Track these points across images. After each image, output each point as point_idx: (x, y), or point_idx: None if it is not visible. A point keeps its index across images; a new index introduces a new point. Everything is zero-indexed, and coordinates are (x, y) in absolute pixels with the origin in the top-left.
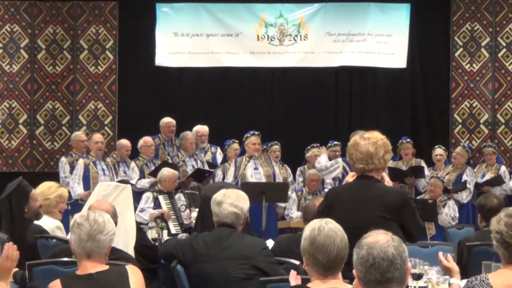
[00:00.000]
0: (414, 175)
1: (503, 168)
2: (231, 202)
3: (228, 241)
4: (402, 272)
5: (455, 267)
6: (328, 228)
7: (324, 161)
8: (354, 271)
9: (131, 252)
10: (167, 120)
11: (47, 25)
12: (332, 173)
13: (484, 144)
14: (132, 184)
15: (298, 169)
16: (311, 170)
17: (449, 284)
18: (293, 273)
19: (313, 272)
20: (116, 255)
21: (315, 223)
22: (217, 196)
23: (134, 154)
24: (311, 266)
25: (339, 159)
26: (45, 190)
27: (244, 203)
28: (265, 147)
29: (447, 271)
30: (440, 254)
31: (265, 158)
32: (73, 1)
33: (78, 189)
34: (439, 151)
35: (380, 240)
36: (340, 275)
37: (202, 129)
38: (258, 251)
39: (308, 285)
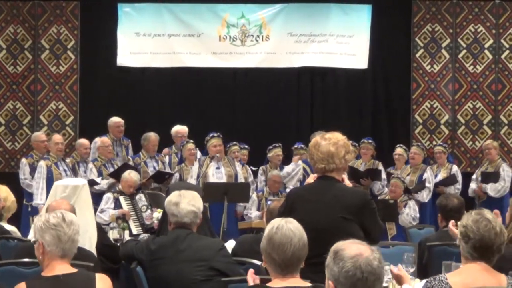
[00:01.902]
0: (371, 177)
1: (455, 168)
2: (188, 201)
3: (185, 243)
4: (382, 283)
5: (406, 274)
6: (287, 228)
7: (287, 169)
8: (330, 283)
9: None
10: (115, 120)
11: (8, 24)
12: (295, 177)
13: (435, 144)
14: (97, 184)
15: (261, 168)
16: (273, 172)
17: None
18: (251, 271)
19: (271, 270)
20: (79, 254)
21: (276, 222)
22: (173, 197)
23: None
24: (268, 264)
25: (299, 162)
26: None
27: (200, 203)
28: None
29: (397, 280)
30: (392, 267)
31: (228, 159)
32: (34, 1)
33: (39, 199)
34: (399, 151)
35: (363, 252)
36: (298, 274)
37: (182, 129)
38: (215, 252)
39: (268, 284)
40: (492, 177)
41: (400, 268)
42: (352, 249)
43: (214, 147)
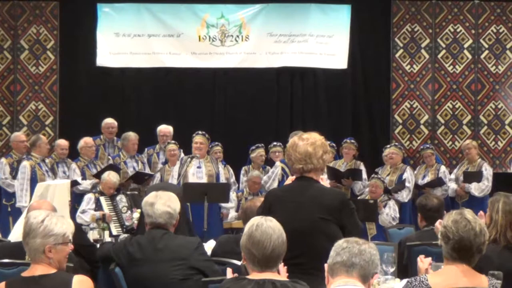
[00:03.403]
0: (352, 177)
1: (443, 169)
2: (164, 202)
3: (161, 243)
4: (366, 266)
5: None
6: (266, 225)
7: (266, 176)
8: (328, 262)
9: None
10: (107, 121)
11: None
12: (275, 179)
13: (422, 146)
14: (78, 184)
15: (243, 168)
16: (254, 172)
17: None
18: (229, 270)
19: (250, 267)
20: None
21: (255, 220)
22: (149, 198)
23: (74, 154)
24: (247, 261)
25: (277, 163)
26: None
27: (176, 204)
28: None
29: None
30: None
31: (211, 158)
32: (14, 1)
33: (24, 201)
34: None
35: (359, 241)
36: (276, 271)
37: (164, 129)
38: (192, 251)
39: (247, 277)
40: (475, 176)
41: (425, 263)
42: (359, 239)
43: (195, 143)
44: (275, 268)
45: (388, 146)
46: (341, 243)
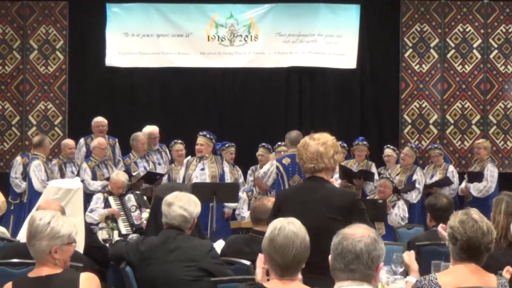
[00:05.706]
0: (364, 178)
1: (451, 168)
2: (181, 205)
3: (175, 243)
4: (367, 268)
5: (413, 265)
6: (289, 229)
7: (263, 169)
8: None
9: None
10: (96, 120)
11: None
12: (271, 176)
13: (430, 146)
14: (83, 180)
15: (250, 168)
16: (260, 170)
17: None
18: (260, 258)
19: (271, 270)
20: None
21: (278, 222)
22: (169, 197)
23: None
24: (269, 264)
25: (274, 161)
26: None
27: (194, 207)
28: (222, 147)
29: (407, 268)
30: (405, 253)
31: (216, 159)
32: (23, 1)
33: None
34: (387, 152)
35: (356, 233)
36: (298, 276)
37: (155, 130)
38: (205, 253)
39: (265, 284)
40: (477, 176)
41: (411, 257)
42: (352, 229)
43: (196, 145)
44: (295, 274)
45: (386, 146)
46: (336, 244)
